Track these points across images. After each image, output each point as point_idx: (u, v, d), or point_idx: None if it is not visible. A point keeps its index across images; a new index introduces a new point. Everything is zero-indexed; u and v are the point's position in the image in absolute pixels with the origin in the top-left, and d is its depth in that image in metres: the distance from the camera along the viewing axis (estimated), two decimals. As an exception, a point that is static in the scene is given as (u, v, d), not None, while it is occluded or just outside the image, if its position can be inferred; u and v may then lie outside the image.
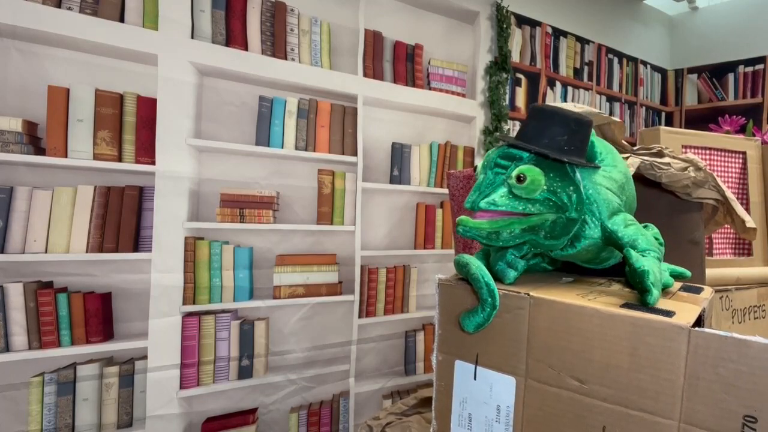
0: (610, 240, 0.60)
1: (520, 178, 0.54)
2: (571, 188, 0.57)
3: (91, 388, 1.48)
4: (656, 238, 0.64)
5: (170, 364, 1.60)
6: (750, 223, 0.88)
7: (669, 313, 0.47)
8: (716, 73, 3.29)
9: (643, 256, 0.56)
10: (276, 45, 1.83)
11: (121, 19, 1.55)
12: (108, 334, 1.55)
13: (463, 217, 0.55)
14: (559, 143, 0.57)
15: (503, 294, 0.56)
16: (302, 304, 1.95)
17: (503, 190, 0.55)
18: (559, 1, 2.87)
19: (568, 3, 2.92)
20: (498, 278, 0.59)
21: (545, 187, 0.55)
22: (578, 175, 0.58)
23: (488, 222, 0.55)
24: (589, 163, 0.60)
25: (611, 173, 0.63)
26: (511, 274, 0.59)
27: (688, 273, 0.69)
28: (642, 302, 0.51)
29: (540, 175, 0.54)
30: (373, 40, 2.07)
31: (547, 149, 0.56)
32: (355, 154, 1.98)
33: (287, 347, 1.95)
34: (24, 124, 1.39)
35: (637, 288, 0.53)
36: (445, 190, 2.16)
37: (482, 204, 0.55)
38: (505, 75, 2.45)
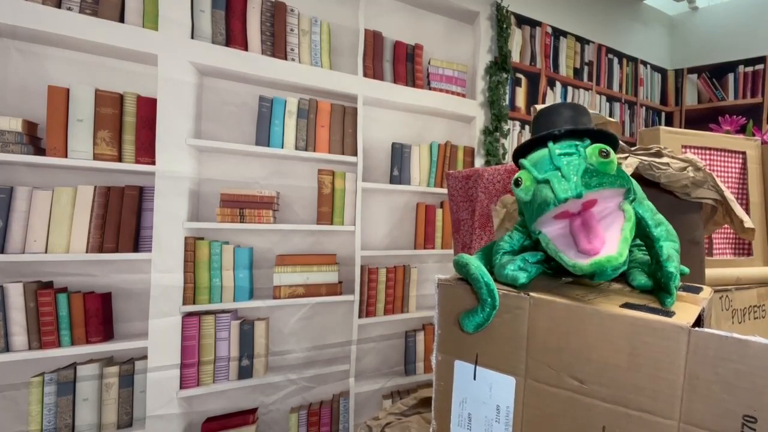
0: (640, 227, 0.58)
1: (603, 153, 0.52)
2: (620, 167, 0.57)
3: (91, 388, 1.48)
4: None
5: (170, 364, 1.60)
6: (748, 223, 0.88)
7: (669, 313, 0.47)
8: (716, 73, 3.29)
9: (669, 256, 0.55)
10: (276, 45, 1.83)
11: (121, 19, 1.55)
12: (108, 334, 1.56)
13: (599, 259, 0.49)
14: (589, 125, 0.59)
15: (503, 294, 0.56)
16: (302, 304, 1.95)
17: (589, 171, 0.52)
18: (559, 1, 2.87)
19: (568, 3, 2.92)
20: (508, 283, 0.58)
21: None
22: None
23: (623, 243, 0.51)
24: (614, 139, 0.60)
25: None
26: (522, 275, 0.57)
27: (686, 269, 0.69)
28: (661, 303, 0.51)
29: (611, 150, 0.54)
30: (373, 40, 2.07)
31: (591, 127, 0.56)
32: (355, 154, 1.99)
33: (287, 347, 1.95)
34: (24, 124, 1.39)
35: (658, 285, 0.53)
36: (445, 190, 2.16)
37: (586, 187, 0.51)
38: (505, 75, 2.45)
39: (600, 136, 0.57)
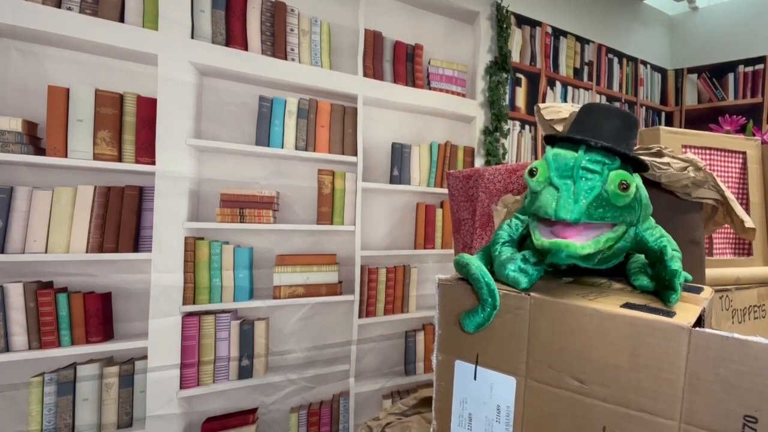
0: (639, 244, 0.59)
1: (623, 186, 0.51)
2: (638, 194, 0.55)
3: (91, 388, 1.48)
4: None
5: (170, 364, 1.60)
6: (749, 223, 0.88)
7: (669, 314, 0.47)
8: (716, 73, 3.29)
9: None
10: (276, 45, 1.83)
11: (121, 19, 1.55)
12: (108, 334, 1.55)
13: (562, 241, 0.50)
14: (631, 146, 0.56)
15: (503, 294, 0.56)
16: (302, 304, 1.95)
17: (602, 198, 0.51)
18: (559, 1, 2.87)
19: (568, 3, 2.92)
20: (508, 284, 0.58)
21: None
22: (636, 179, 0.56)
23: (593, 243, 0.51)
24: (646, 168, 0.58)
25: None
26: (524, 279, 0.56)
27: (689, 276, 0.70)
28: (664, 299, 0.51)
29: (634, 181, 0.52)
30: (373, 40, 2.07)
31: (627, 152, 0.53)
32: (355, 154, 1.98)
33: (287, 347, 1.95)
34: (24, 124, 1.39)
35: (663, 285, 0.53)
36: (445, 190, 2.16)
37: (587, 216, 0.50)
38: (505, 75, 2.45)
39: (633, 160, 0.55)
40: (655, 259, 0.58)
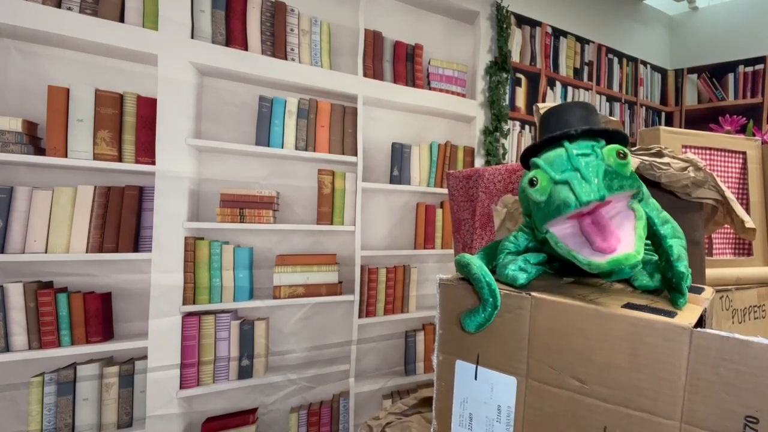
0: (647, 226, 0.58)
1: (621, 154, 0.52)
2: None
3: (91, 388, 1.48)
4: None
5: (170, 364, 1.60)
6: (749, 223, 0.88)
7: (670, 314, 0.47)
8: (716, 73, 3.29)
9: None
10: (276, 45, 1.83)
11: (121, 19, 1.55)
12: (108, 334, 1.55)
13: (616, 257, 0.49)
14: (600, 126, 0.58)
15: (504, 294, 0.56)
16: (302, 304, 1.95)
17: (608, 173, 0.52)
18: (559, 1, 2.87)
19: (568, 3, 2.92)
20: (508, 282, 0.58)
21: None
22: None
23: (638, 240, 0.50)
24: (626, 139, 0.60)
25: None
26: (522, 275, 0.57)
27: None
28: (673, 303, 0.51)
29: (627, 149, 0.53)
30: (373, 40, 2.07)
31: (606, 128, 0.56)
32: (355, 154, 1.98)
33: (287, 347, 1.95)
34: (24, 124, 1.39)
35: (670, 286, 0.53)
36: (445, 190, 2.16)
37: (609, 191, 0.50)
38: (505, 75, 2.45)
39: (613, 135, 0.57)
40: (661, 249, 0.56)
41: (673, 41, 3.57)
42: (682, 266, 0.52)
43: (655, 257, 0.59)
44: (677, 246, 0.55)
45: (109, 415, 1.51)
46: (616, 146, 0.53)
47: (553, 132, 0.58)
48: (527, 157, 0.61)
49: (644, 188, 0.59)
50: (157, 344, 1.57)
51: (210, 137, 1.79)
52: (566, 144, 0.54)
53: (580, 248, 0.53)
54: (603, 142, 0.55)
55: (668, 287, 0.54)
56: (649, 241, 0.61)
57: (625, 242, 0.51)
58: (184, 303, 1.64)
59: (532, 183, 0.55)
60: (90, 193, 1.49)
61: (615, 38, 3.19)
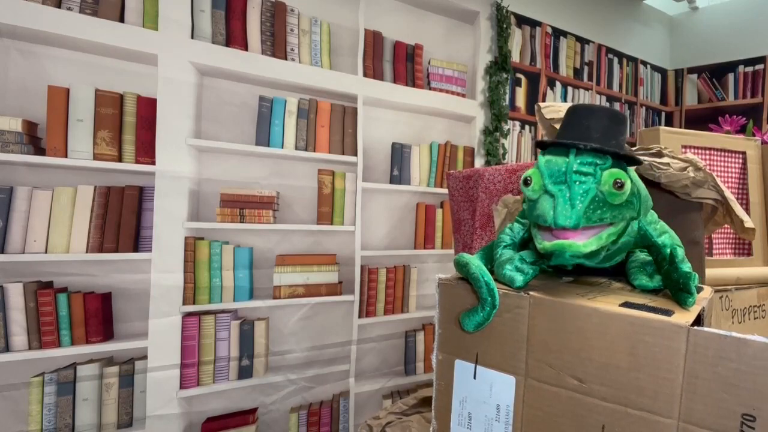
0: (644, 238, 0.59)
1: (618, 184, 0.51)
2: (635, 189, 0.55)
3: (91, 388, 1.48)
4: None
5: (170, 364, 1.60)
6: (749, 223, 0.88)
7: (668, 312, 0.48)
8: (716, 73, 3.29)
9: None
10: (276, 45, 1.83)
11: (121, 19, 1.55)
12: (108, 334, 1.56)
13: (565, 241, 0.51)
14: (621, 143, 0.56)
15: (503, 293, 0.56)
16: (302, 304, 1.95)
17: (598, 200, 0.51)
18: (559, 1, 2.87)
19: (568, 3, 2.92)
20: (505, 283, 0.58)
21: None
22: (631, 173, 0.56)
23: (595, 240, 0.51)
24: (639, 162, 0.58)
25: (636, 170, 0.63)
26: (519, 277, 0.57)
27: None
28: (681, 303, 0.51)
29: (628, 178, 0.52)
30: (373, 40, 2.07)
31: (617, 149, 0.53)
32: (355, 154, 1.99)
33: (287, 347, 1.95)
34: (24, 124, 1.39)
35: (677, 288, 0.53)
36: (445, 190, 2.16)
37: (585, 220, 0.50)
38: (505, 75, 2.45)
39: (624, 157, 0.55)
40: (660, 256, 0.58)
41: (673, 41, 3.57)
42: (687, 267, 0.53)
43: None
44: (679, 250, 0.56)
45: (109, 415, 1.51)
46: (617, 173, 0.51)
47: (570, 133, 0.57)
48: (540, 146, 0.60)
49: (644, 201, 0.59)
50: (157, 344, 1.57)
51: (210, 137, 1.79)
52: (571, 157, 0.53)
53: (544, 232, 0.55)
54: (609, 163, 0.53)
55: (674, 289, 0.53)
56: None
57: (582, 236, 0.52)
58: (184, 303, 1.64)
59: (526, 182, 0.56)
60: (90, 193, 1.49)
61: (615, 38, 3.19)
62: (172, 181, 1.60)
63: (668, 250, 0.56)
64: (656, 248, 0.58)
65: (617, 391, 0.48)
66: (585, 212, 0.51)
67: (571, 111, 0.60)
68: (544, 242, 0.53)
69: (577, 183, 0.52)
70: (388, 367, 2.19)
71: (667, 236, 0.59)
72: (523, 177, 0.56)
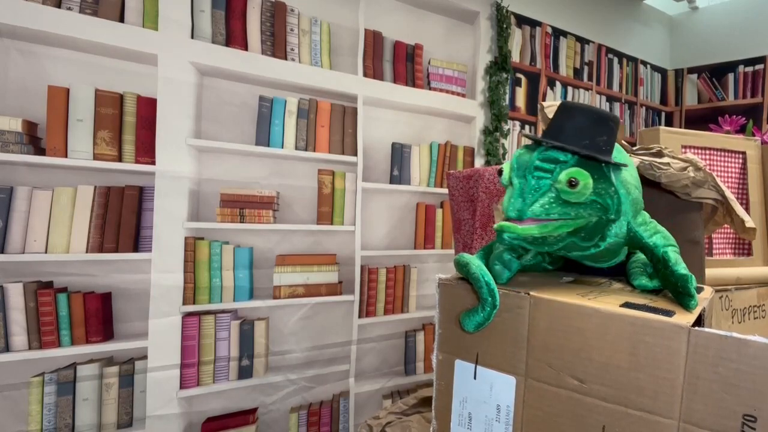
0: (634, 239, 0.59)
1: (572, 183, 0.51)
2: (612, 189, 0.55)
3: (91, 388, 1.48)
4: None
5: (170, 364, 1.60)
6: (749, 223, 0.88)
7: (669, 313, 0.47)
8: (716, 73, 3.29)
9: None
10: (276, 45, 1.83)
11: (121, 19, 1.55)
12: (108, 334, 1.55)
13: (507, 223, 0.53)
14: (598, 143, 0.56)
15: (503, 293, 0.56)
16: (302, 304, 1.95)
17: (551, 196, 0.53)
18: (559, 1, 2.87)
19: (568, 3, 2.92)
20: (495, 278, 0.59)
21: (592, 190, 0.53)
22: (613, 175, 0.56)
23: (538, 227, 0.52)
24: (623, 164, 0.58)
25: (631, 171, 0.62)
26: (505, 274, 0.60)
27: None
28: (684, 306, 0.51)
29: (589, 178, 0.52)
30: (373, 40, 2.07)
31: (590, 150, 0.53)
32: (355, 154, 1.99)
33: (287, 347, 1.95)
34: (24, 124, 1.39)
35: (677, 291, 0.53)
36: (445, 190, 2.16)
37: (530, 213, 0.52)
38: (505, 75, 2.45)
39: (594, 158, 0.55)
40: (654, 256, 0.58)
41: (673, 41, 3.57)
42: (683, 269, 0.53)
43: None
44: (672, 252, 0.56)
45: (109, 415, 1.51)
46: (574, 172, 0.52)
47: (548, 129, 0.58)
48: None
49: (635, 203, 0.59)
50: (157, 344, 1.57)
51: (210, 137, 1.79)
52: (535, 154, 0.55)
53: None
54: (571, 161, 0.53)
55: (674, 293, 0.53)
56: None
57: (528, 223, 0.53)
58: (184, 303, 1.64)
59: (500, 172, 0.58)
60: (90, 193, 1.49)
61: (615, 38, 3.19)
62: (172, 181, 1.60)
63: (661, 251, 0.56)
64: (648, 249, 0.58)
65: (618, 391, 0.48)
66: (532, 206, 0.52)
67: (557, 109, 0.60)
68: (502, 222, 0.55)
69: (535, 178, 0.53)
70: (388, 367, 2.19)
71: (659, 236, 0.58)
72: (499, 167, 0.59)
